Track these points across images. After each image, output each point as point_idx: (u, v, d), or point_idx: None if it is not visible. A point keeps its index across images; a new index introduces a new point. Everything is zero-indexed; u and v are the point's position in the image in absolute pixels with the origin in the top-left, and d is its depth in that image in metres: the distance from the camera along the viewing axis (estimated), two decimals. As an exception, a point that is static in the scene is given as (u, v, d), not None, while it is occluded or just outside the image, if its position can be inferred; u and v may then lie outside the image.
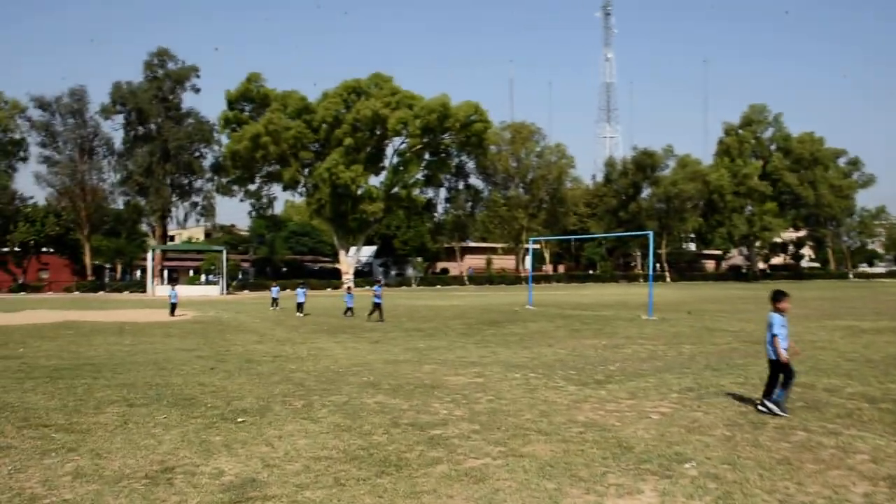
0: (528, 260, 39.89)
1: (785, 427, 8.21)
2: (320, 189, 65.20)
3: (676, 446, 7.37)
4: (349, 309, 27.90)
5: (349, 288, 31.73)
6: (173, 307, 29.98)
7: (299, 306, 29.57)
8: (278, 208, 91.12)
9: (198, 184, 66.44)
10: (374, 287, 26.53)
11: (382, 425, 8.52)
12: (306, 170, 67.65)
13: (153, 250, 58.39)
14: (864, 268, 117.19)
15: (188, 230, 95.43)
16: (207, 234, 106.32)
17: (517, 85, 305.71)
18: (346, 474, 6.49)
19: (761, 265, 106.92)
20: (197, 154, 65.70)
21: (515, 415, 9.11)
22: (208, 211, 66.65)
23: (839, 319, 25.13)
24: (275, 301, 34.80)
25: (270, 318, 27.92)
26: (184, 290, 56.89)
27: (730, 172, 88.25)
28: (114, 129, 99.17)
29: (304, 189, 69.91)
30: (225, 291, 56.93)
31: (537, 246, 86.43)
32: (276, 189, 71.72)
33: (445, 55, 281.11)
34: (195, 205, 66.33)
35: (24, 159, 66.52)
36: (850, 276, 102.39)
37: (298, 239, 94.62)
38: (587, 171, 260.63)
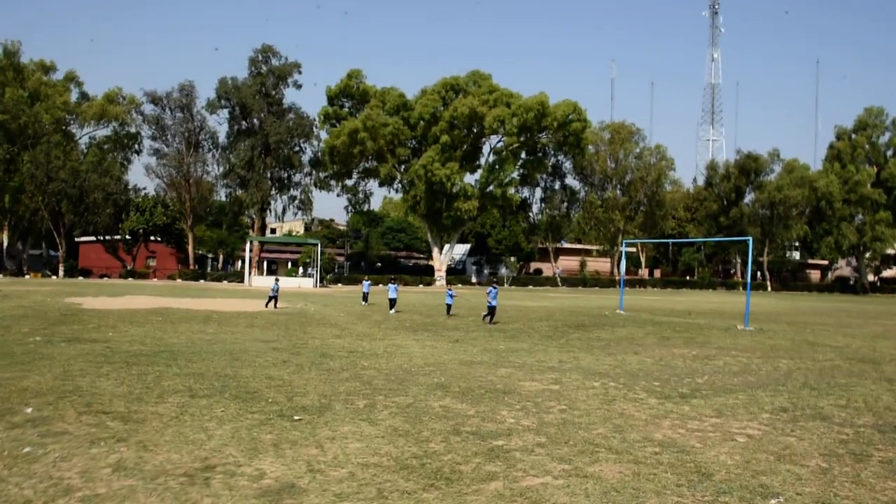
0: (622, 263, 38.51)
1: (893, 461, 7.26)
2: (416, 186, 65.46)
3: (763, 476, 6.58)
4: (449, 307, 27.26)
5: (449, 285, 30.57)
6: (274, 300, 29.47)
7: (392, 302, 28.46)
8: (376, 204, 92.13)
9: (296, 178, 67.87)
10: (489, 289, 24.54)
11: (442, 432, 8.05)
12: (402, 166, 68.08)
13: (250, 241, 59.99)
14: None
15: (289, 223, 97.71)
16: (307, 228, 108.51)
17: (619, 85, 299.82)
18: (392, 486, 6.05)
19: (871, 277, 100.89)
20: (297, 149, 67.07)
21: (587, 428, 8.46)
22: (305, 204, 67.91)
23: (961, 339, 23.10)
24: (365, 296, 33.94)
25: (355, 313, 27.91)
26: (280, 282, 58.20)
27: (840, 179, 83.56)
28: (218, 124, 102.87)
29: (399, 185, 70.36)
30: (319, 284, 57.79)
31: (633, 249, 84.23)
32: (372, 185, 72.62)
33: (546, 53, 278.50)
34: (293, 198, 67.73)
35: (139, 152, 69.62)
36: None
37: (395, 235, 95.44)
38: (689, 174, 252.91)
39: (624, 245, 37.84)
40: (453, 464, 6.77)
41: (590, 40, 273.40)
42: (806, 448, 7.72)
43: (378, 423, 8.40)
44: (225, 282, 62.20)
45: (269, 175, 65.88)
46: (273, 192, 66.88)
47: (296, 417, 8.59)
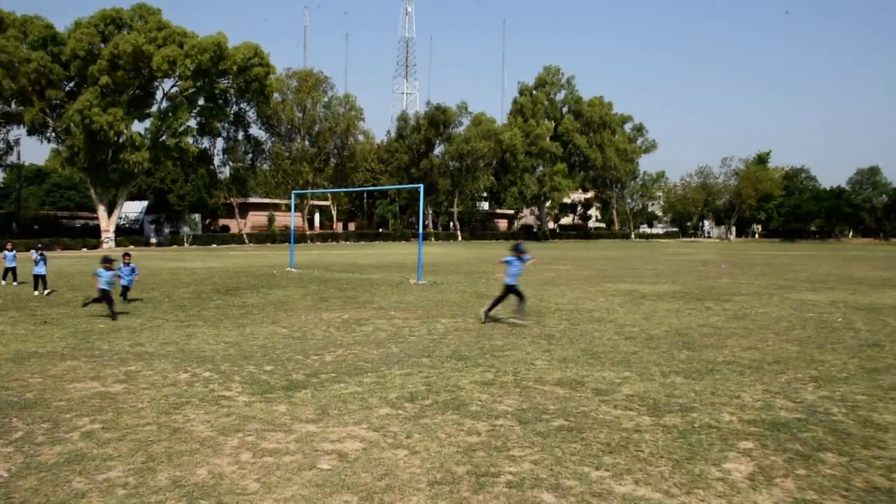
0: (291, 217, 35.59)
1: (525, 480, 5.00)
2: (73, 134, 56.76)
3: (317, 556, 3.88)
4: (125, 289, 17.30)
5: (127, 256, 18.21)
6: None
7: (37, 280, 20.05)
8: (40, 157, 79.56)
9: None
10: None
11: None
12: (56, 112, 58.55)
13: None
14: (644, 229, 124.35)
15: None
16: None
17: (313, 36, 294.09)
18: None
19: (551, 225, 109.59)
20: None
21: (93, 471, 5.27)
22: (-80, 156, 55.47)
23: (620, 282, 23.55)
24: (11, 272, 22.73)
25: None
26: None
27: (522, 132, 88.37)
28: None
29: (53, 134, 60.72)
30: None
31: (326, 202, 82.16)
32: (19, 133, 61.96)
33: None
34: None
35: None
36: (633, 236, 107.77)
37: (63, 193, 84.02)
38: (385, 128, 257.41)
39: (294, 196, 34.94)
40: None
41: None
42: (415, 471, 5.24)
43: None
44: None
45: None
46: None
47: None
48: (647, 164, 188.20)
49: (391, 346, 10.80)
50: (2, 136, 60.11)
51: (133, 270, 17.77)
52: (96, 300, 14.46)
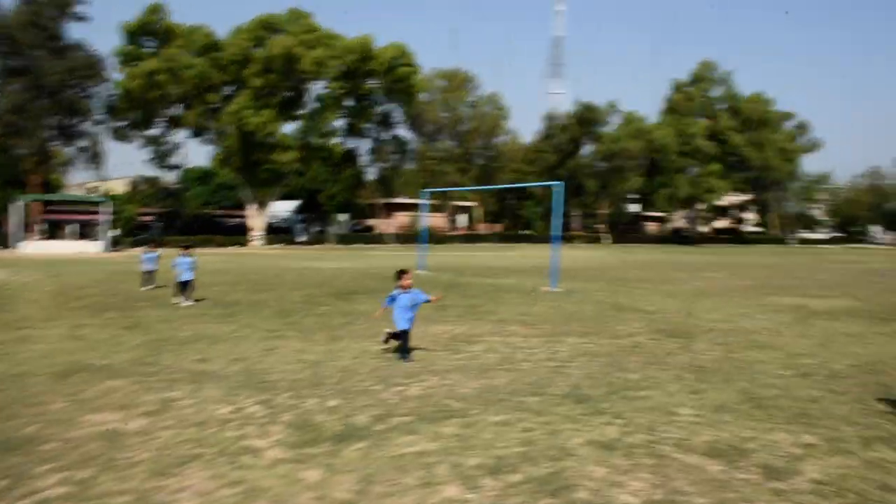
0: (423, 216, 34.11)
1: None
2: (229, 136, 58.52)
3: None
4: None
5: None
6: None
7: (183, 287, 16.71)
8: (205, 158, 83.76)
9: (85, 126, 58.35)
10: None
11: None
12: (215, 114, 60.56)
13: (17, 200, 50.65)
14: (805, 234, 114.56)
15: (108, 182, 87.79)
16: (135, 186, 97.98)
17: (464, 39, 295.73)
18: None
19: (704, 228, 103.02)
20: (84, 93, 57.73)
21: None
22: (97, 158, 58.63)
23: (784, 295, 20.15)
24: (148, 275, 20.15)
25: (67, 286, 21.74)
26: (57, 247, 49.87)
27: (675, 131, 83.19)
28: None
29: (213, 136, 62.96)
30: (110, 249, 50.13)
31: (475, 203, 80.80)
32: (182, 135, 64.57)
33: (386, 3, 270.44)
34: (84, 150, 58.29)
35: None
36: (794, 241, 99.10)
37: (226, 192, 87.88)
38: (534, 128, 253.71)
39: (426, 194, 33.46)
40: None
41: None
42: None
43: None
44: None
45: (55, 123, 56.26)
46: (59, 143, 57.54)
47: None
48: (813, 166, 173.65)
49: (496, 377, 8.67)
50: (167, 138, 62.87)
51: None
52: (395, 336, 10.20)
